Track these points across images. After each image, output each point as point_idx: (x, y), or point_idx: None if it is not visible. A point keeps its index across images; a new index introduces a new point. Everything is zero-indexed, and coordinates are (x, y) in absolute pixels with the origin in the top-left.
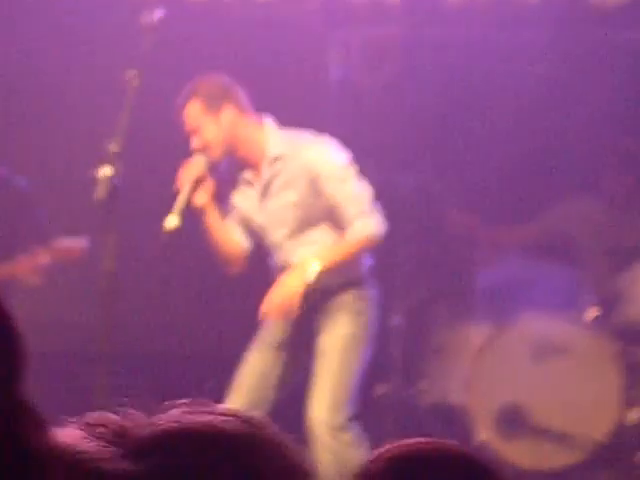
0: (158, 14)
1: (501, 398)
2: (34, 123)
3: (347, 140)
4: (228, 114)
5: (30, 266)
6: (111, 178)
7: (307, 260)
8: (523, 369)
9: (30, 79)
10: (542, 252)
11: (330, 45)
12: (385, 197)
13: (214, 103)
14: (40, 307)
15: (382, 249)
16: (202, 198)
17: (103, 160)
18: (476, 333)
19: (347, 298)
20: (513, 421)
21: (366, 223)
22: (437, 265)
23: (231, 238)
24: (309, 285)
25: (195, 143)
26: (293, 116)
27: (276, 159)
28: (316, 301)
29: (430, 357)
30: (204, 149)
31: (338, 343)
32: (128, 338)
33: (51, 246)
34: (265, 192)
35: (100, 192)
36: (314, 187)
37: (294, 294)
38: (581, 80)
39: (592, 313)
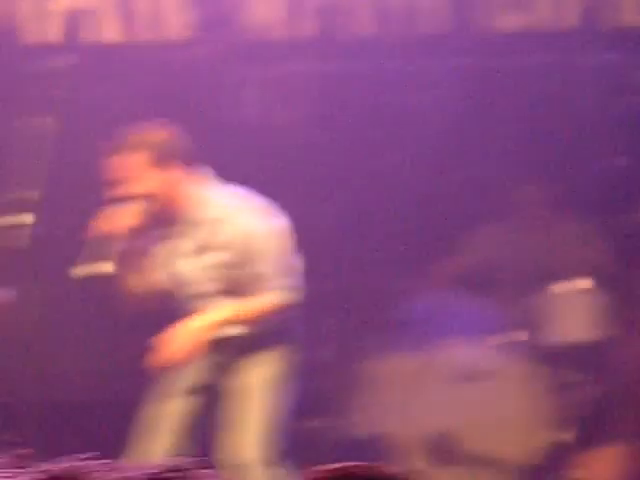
0: (73, 58)
1: (432, 426)
2: None
3: (265, 175)
4: (173, 172)
5: None
6: (31, 226)
7: (209, 311)
8: (451, 396)
9: None
10: (465, 280)
11: (246, 82)
12: (308, 229)
13: (163, 158)
14: None
15: (310, 282)
16: (139, 244)
17: (22, 208)
18: (404, 363)
19: (267, 340)
20: (445, 448)
21: (271, 294)
22: (364, 297)
23: (154, 278)
24: (204, 335)
25: (135, 190)
26: (210, 155)
27: (215, 221)
28: (231, 344)
29: (361, 389)
30: (145, 198)
31: (259, 383)
32: (54, 388)
33: None
34: (200, 249)
35: (21, 240)
36: (244, 255)
37: (186, 343)
38: (492, 104)
39: (515, 336)
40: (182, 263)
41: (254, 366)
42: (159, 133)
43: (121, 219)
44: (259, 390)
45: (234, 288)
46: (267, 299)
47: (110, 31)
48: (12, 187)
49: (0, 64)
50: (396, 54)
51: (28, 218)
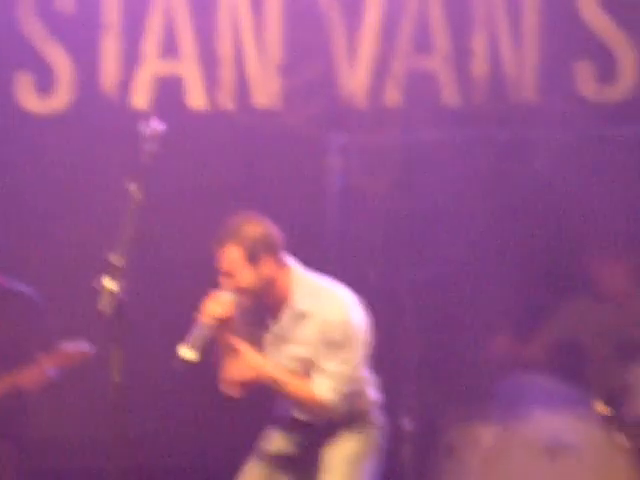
0: (158, 124)
1: None
2: (37, 233)
3: (347, 245)
4: (267, 267)
5: (35, 375)
6: (115, 292)
7: (267, 359)
8: (534, 468)
9: (35, 189)
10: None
11: (329, 151)
12: (391, 296)
13: (255, 254)
14: (52, 423)
15: (392, 351)
16: (227, 338)
17: (107, 273)
18: (486, 434)
19: (353, 423)
20: None
21: (326, 389)
22: (447, 367)
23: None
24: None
25: (228, 285)
26: (295, 225)
27: (299, 316)
28: (321, 426)
29: (441, 459)
30: (236, 292)
31: (342, 459)
32: (138, 452)
33: (54, 352)
34: (280, 339)
35: (105, 306)
36: (322, 347)
37: (253, 372)
38: (575, 177)
39: (602, 410)
40: (267, 348)
41: (336, 444)
42: (252, 227)
43: (214, 308)
44: (339, 466)
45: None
46: (318, 390)
47: (196, 98)
48: (101, 252)
49: (86, 128)
50: (481, 123)
51: (109, 283)
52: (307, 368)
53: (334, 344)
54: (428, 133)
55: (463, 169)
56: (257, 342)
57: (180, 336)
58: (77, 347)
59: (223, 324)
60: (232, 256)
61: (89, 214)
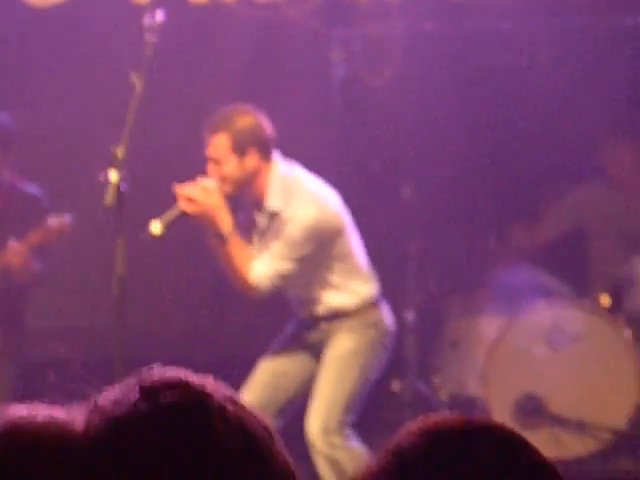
0: (159, 16)
1: (518, 388)
2: (39, 129)
3: (351, 137)
4: (252, 159)
5: (20, 250)
6: (118, 183)
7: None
8: (538, 358)
9: (34, 83)
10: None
11: (332, 44)
12: (392, 194)
13: (242, 144)
14: (54, 314)
15: (393, 244)
16: (227, 224)
17: (110, 165)
18: (489, 325)
19: (354, 321)
20: (531, 411)
21: (257, 269)
22: (449, 259)
23: (247, 256)
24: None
25: (212, 172)
26: (297, 115)
27: (273, 214)
28: (324, 325)
29: (444, 351)
30: (219, 181)
31: (336, 356)
32: (139, 344)
33: (39, 227)
34: (261, 236)
35: (108, 198)
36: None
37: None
38: (583, 67)
39: (605, 300)
40: (255, 246)
41: (333, 343)
42: (243, 118)
43: (192, 191)
44: (331, 362)
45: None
46: (253, 268)
47: None
48: (100, 143)
49: (89, 21)
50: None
51: (114, 175)
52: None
53: (287, 236)
54: (430, 25)
55: (464, 61)
56: (250, 239)
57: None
58: (58, 220)
59: (199, 207)
60: (220, 144)
61: (93, 106)
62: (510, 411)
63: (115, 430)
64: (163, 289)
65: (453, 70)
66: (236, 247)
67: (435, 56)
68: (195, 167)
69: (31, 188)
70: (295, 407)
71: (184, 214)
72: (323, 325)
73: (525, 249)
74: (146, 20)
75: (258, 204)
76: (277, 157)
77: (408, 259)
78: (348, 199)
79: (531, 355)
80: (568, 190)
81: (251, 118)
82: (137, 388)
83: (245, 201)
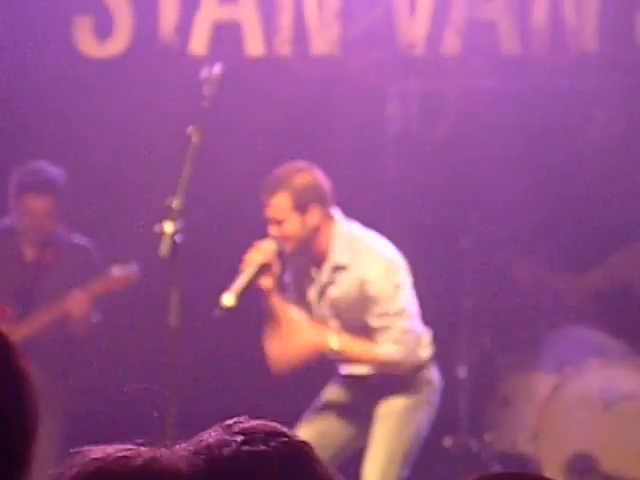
0: (217, 69)
1: (570, 447)
2: (98, 178)
3: (405, 192)
4: (314, 216)
5: (82, 300)
6: (173, 235)
7: (330, 331)
8: (591, 417)
9: (93, 135)
10: (603, 304)
11: (388, 98)
12: (448, 241)
13: (303, 202)
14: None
15: (447, 299)
16: (267, 282)
17: (166, 216)
18: (542, 382)
19: (407, 381)
20: (583, 470)
21: (392, 349)
22: (502, 315)
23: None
24: (321, 349)
25: (274, 232)
26: (352, 170)
27: (337, 268)
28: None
29: (497, 407)
30: (281, 241)
31: (392, 411)
32: (190, 397)
33: (103, 277)
34: (321, 293)
35: (163, 248)
36: (362, 300)
37: (306, 348)
38: (633, 125)
39: None
40: (312, 307)
41: (388, 399)
42: (302, 176)
43: (256, 255)
44: (389, 418)
45: (355, 330)
46: (380, 349)
47: (254, 45)
48: (157, 195)
49: (144, 73)
50: (541, 72)
51: (169, 227)
52: (342, 317)
53: (374, 299)
54: (487, 81)
55: (521, 118)
56: (304, 295)
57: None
58: (124, 270)
59: (264, 269)
60: (280, 204)
61: (149, 160)
62: (562, 470)
63: (223, 472)
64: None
65: (508, 128)
66: (355, 350)
67: (490, 113)
68: (251, 222)
69: (80, 239)
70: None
71: (253, 281)
72: (373, 381)
73: (574, 300)
74: (204, 73)
75: (317, 261)
76: (338, 214)
77: (462, 314)
78: (406, 255)
79: (583, 413)
80: (621, 248)
81: (309, 175)
82: (237, 434)
83: (297, 259)
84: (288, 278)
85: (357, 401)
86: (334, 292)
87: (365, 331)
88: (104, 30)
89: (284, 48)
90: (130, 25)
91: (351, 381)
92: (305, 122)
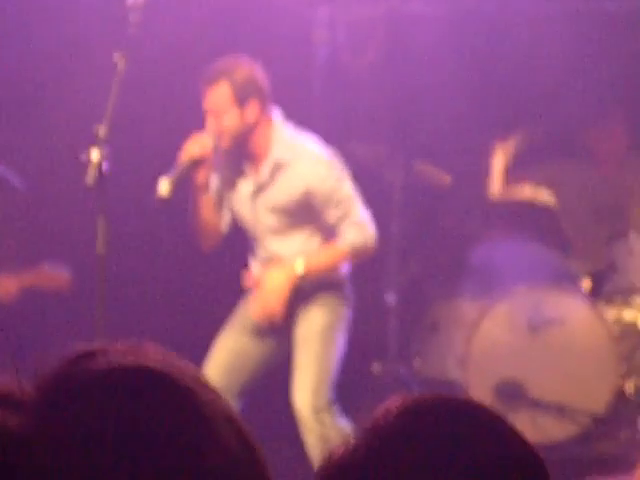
0: None
1: (497, 372)
2: (21, 109)
3: (333, 120)
4: (253, 110)
5: (11, 286)
6: (99, 163)
7: (292, 259)
8: (518, 342)
9: (22, 62)
10: (531, 225)
11: (316, 25)
12: (375, 169)
13: (243, 94)
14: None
15: (375, 223)
16: (201, 177)
17: (91, 144)
18: (470, 308)
19: (324, 295)
20: (510, 395)
21: (356, 233)
22: (429, 241)
23: (215, 218)
24: (295, 283)
25: (211, 125)
26: (280, 98)
27: (277, 164)
28: (293, 296)
29: (424, 333)
30: (218, 134)
31: (315, 332)
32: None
33: (36, 271)
34: (259, 190)
35: (89, 177)
36: (306, 200)
37: (282, 293)
38: (575, 50)
39: (586, 284)
40: (242, 202)
41: (311, 317)
42: (243, 68)
43: (193, 147)
44: (314, 337)
45: (300, 227)
46: (345, 239)
47: None
48: (81, 122)
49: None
50: None
51: (96, 155)
52: (284, 218)
53: (323, 194)
54: (414, 6)
55: (449, 43)
56: (237, 192)
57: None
58: (58, 273)
59: (199, 163)
60: (221, 94)
61: (75, 88)
62: (490, 395)
63: None
64: (141, 268)
65: (438, 53)
66: (322, 260)
67: (420, 38)
68: (178, 147)
69: (11, 177)
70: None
71: (189, 168)
72: (298, 295)
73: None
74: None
75: (253, 159)
76: (277, 114)
77: (390, 240)
78: None
79: (510, 339)
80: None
81: (251, 68)
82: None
83: (228, 156)
84: (213, 178)
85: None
86: (275, 191)
87: (287, 231)
88: None
89: None
90: None
91: None
92: (231, 48)
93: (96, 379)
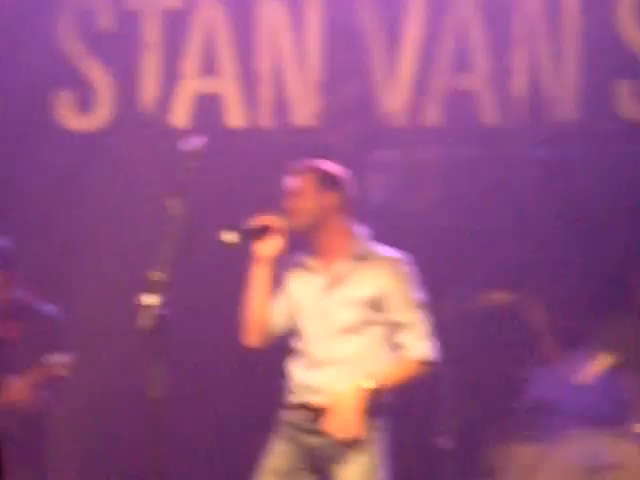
0: (199, 142)
1: None
2: (79, 251)
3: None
4: (332, 198)
5: (24, 387)
6: (157, 308)
7: (360, 379)
8: None
9: (75, 207)
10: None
11: (369, 168)
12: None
13: (327, 183)
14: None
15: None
16: (266, 249)
17: (147, 290)
18: (525, 453)
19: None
20: None
21: (423, 347)
22: (483, 384)
23: (268, 311)
24: (367, 397)
25: (288, 204)
26: None
27: (358, 258)
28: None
29: (480, 478)
30: (294, 212)
31: (359, 472)
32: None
33: (36, 367)
34: (333, 285)
35: (145, 321)
36: (381, 297)
37: (357, 405)
38: (619, 193)
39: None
40: (309, 298)
41: (350, 454)
42: (331, 167)
43: (265, 218)
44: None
45: (363, 330)
46: (412, 352)
47: (235, 117)
48: (141, 268)
49: (128, 147)
50: (520, 141)
51: (154, 299)
52: (364, 313)
53: (402, 292)
54: (467, 151)
55: (502, 187)
56: (306, 286)
57: (220, 349)
58: (58, 359)
59: (268, 231)
60: (304, 179)
61: (130, 232)
62: None
63: None
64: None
65: (491, 195)
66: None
67: (471, 182)
68: (237, 294)
69: (48, 308)
70: None
71: (258, 230)
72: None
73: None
74: (185, 145)
75: (326, 253)
76: (362, 229)
77: (441, 382)
78: None
79: None
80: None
81: (338, 170)
82: None
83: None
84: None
85: (303, 455)
86: (352, 284)
87: (361, 327)
88: (86, 103)
89: (265, 120)
90: (111, 98)
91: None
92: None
93: None
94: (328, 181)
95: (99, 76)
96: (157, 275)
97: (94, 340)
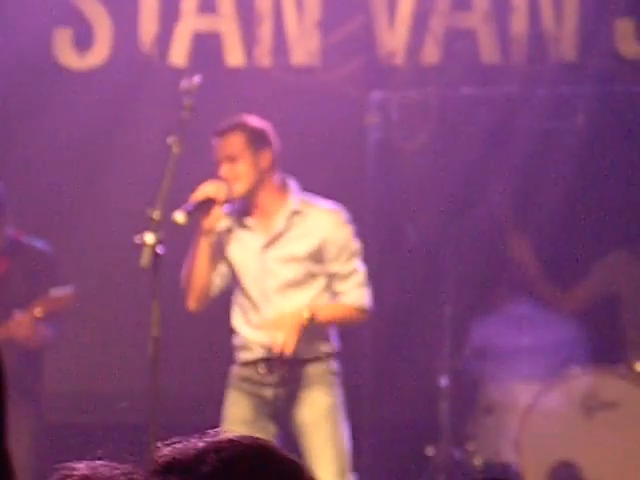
0: (196, 80)
1: (552, 455)
2: (78, 188)
3: (385, 201)
4: (266, 157)
5: (24, 322)
6: (154, 245)
7: (299, 307)
8: (573, 425)
9: (73, 145)
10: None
11: (368, 108)
12: (427, 251)
13: (257, 142)
14: (88, 377)
15: (429, 309)
16: (210, 220)
17: (146, 227)
18: (524, 391)
19: (318, 371)
20: (565, 478)
21: (359, 294)
22: (482, 324)
23: (209, 273)
24: (304, 325)
25: (226, 172)
26: (332, 179)
27: (295, 213)
28: (284, 374)
29: (478, 416)
30: (233, 180)
31: (323, 414)
32: (172, 407)
33: (42, 298)
34: (272, 242)
35: (144, 259)
36: (321, 250)
37: (295, 328)
38: (618, 135)
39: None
40: (249, 257)
41: (312, 398)
42: (254, 122)
43: (208, 187)
44: (325, 422)
45: (308, 283)
46: (350, 299)
47: (233, 55)
48: (137, 206)
49: (129, 86)
50: (518, 80)
51: (150, 238)
52: (305, 268)
53: (341, 242)
54: (466, 90)
55: (500, 126)
56: (242, 248)
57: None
58: (62, 291)
59: (211, 204)
60: (235, 141)
61: (129, 169)
62: (544, 478)
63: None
64: (197, 353)
65: (488, 134)
66: (330, 312)
67: (470, 120)
68: None
69: (38, 243)
70: None
71: (203, 205)
72: (290, 371)
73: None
74: (183, 83)
75: (263, 212)
76: (294, 183)
77: (443, 323)
78: (382, 262)
79: (565, 422)
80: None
81: (263, 124)
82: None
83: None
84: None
85: (264, 402)
86: (290, 241)
87: (304, 281)
88: (84, 41)
89: (264, 59)
90: (110, 36)
91: (264, 365)
92: (285, 132)
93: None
94: (259, 140)
95: (98, 14)
96: (155, 213)
97: (94, 276)
